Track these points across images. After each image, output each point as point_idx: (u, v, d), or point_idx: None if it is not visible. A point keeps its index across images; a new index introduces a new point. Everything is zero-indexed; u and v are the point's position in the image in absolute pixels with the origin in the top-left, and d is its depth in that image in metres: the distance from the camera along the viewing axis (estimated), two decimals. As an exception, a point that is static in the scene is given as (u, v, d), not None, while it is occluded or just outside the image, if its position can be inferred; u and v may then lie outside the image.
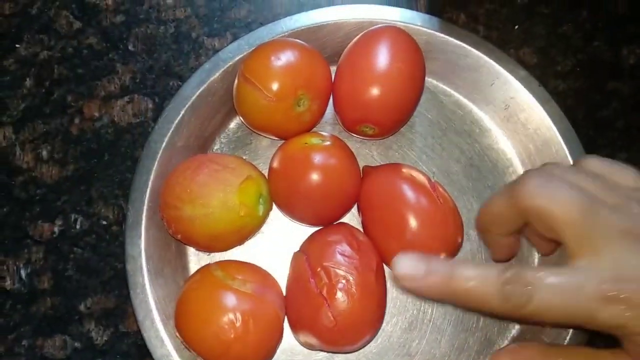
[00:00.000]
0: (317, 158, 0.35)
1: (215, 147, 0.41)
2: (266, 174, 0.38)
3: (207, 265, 0.36)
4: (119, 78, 0.43)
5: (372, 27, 0.39)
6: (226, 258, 0.39)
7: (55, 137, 0.42)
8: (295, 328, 0.36)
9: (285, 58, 0.36)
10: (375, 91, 0.36)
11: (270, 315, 0.34)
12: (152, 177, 0.37)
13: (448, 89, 0.42)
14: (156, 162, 0.37)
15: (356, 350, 0.37)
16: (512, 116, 0.41)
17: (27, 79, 0.42)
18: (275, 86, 0.35)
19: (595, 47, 0.44)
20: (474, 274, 0.27)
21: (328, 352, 0.37)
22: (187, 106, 0.38)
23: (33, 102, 0.42)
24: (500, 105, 0.41)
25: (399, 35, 0.38)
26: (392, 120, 0.38)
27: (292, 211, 0.38)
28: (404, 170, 0.37)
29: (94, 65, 0.43)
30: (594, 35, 0.44)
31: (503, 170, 0.41)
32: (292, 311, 0.35)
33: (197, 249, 0.39)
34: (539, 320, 0.26)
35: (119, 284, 0.40)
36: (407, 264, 0.28)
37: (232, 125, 0.41)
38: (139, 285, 0.36)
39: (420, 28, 0.40)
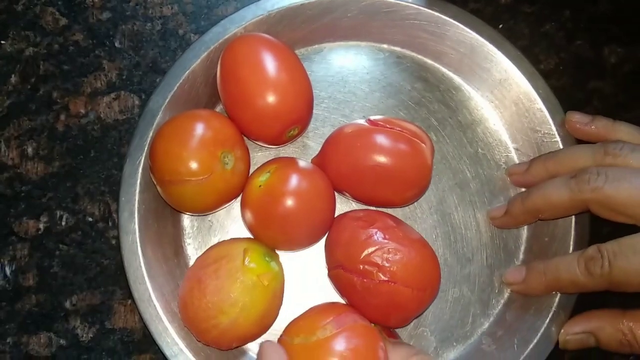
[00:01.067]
0: (280, 188, 0.35)
1: (189, 254, 0.40)
2: (247, 234, 0.38)
3: (280, 341, 0.34)
4: (105, 75, 0.43)
5: (224, 49, 0.38)
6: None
7: (41, 134, 0.42)
8: (384, 322, 0.36)
9: (183, 136, 0.35)
10: (285, 94, 0.36)
11: (365, 330, 0.34)
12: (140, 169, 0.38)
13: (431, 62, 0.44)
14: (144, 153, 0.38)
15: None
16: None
17: (13, 76, 0.42)
18: (195, 165, 0.34)
19: (577, 46, 0.45)
20: (561, 265, 0.35)
21: (420, 314, 0.38)
22: (169, 97, 0.39)
23: (19, 99, 0.42)
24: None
25: (256, 40, 0.37)
26: (309, 109, 0.39)
27: (296, 244, 0.38)
28: (347, 130, 0.38)
29: (80, 61, 0.43)
30: (576, 34, 0.45)
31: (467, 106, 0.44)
32: (371, 314, 0.36)
33: (255, 339, 0.37)
34: (626, 284, 0.32)
35: (104, 281, 0.40)
36: (510, 275, 0.39)
37: (186, 223, 0.40)
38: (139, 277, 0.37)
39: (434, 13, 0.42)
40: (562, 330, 0.37)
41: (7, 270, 0.40)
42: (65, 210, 0.41)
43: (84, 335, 0.39)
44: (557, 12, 0.46)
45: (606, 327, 0.34)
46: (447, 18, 0.42)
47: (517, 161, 0.42)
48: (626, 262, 0.31)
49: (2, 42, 0.43)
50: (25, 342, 0.39)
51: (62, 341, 0.39)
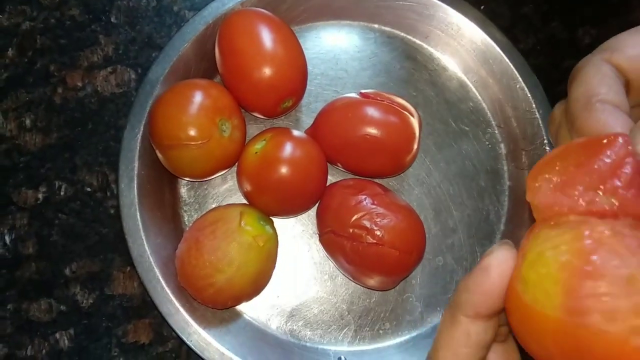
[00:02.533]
0: (275, 155, 0.37)
1: (186, 220, 0.41)
2: (242, 201, 0.40)
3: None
4: (102, 49, 0.44)
5: (223, 23, 0.39)
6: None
7: (39, 106, 0.42)
8: (372, 283, 0.38)
9: (183, 102, 0.36)
10: (280, 66, 0.37)
11: None
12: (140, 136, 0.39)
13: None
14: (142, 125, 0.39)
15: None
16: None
17: (10, 49, 0.43)
18: (193, 130, 0.35)
19: (553, 27, 0.48)
20: None
21: (407, 276, 0.40)
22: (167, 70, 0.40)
23: (16, 72, 0.43)
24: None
25: (254, 14, 0.39)
26: (303, 82, 0.40)
27: (290, 210, 0.40)
28: (339, 102, 0.40)
29: (76, 36, 0.44)
30: (552, 16, 0.48)
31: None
32: (361, 274, 0.38)
33: (249, 299, 0.39)
34: None
35: (103, 249, 0.41)
36: None
37: (182, 191, 0.42)
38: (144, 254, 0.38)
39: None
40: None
41: (7, 239, 0.40)
42: (63, 181, 0.41)
43: (84, 301, 0.40)
44: (536, -5, 0.48)
45: None
46: (435, 0, 0.44)
47: (499, 138, 0.45)
48: None
49: None
50: (26, 308, 0.40)
51: (62, 307, 0.40)
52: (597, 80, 0.23)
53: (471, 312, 0.21)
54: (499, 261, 0.20)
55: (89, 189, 0.42)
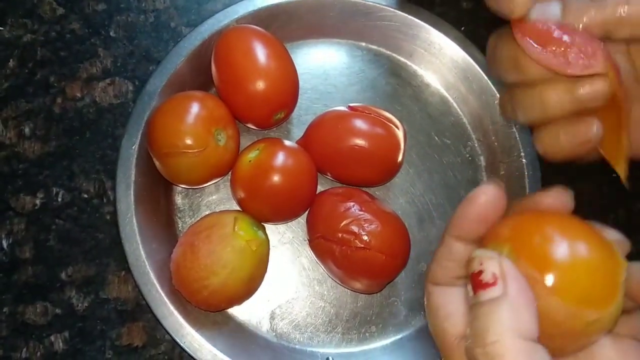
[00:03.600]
0: (268, 164, 0.39)
1: (180, 227, 0.43)
2: (233, 208, 0.42)
3: None
4: (101, 61, 0.45)
5: (219, 39, 0.41)
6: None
7: (38, 115, 0.44)
8: (360, 286, 0.40)
9: (180, 113, 0.38)
10: (273, 80, 0.40)
11: None
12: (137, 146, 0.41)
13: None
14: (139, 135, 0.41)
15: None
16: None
17: (11, 60, 0.45)
18: (190, 139, 0.37)
19: (529, 47, 0.51)
20: None
21: (392, 280, 0.42)
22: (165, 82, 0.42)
23: (16, 82, 0.44)
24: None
25: (249, 31, 0.41)
26: (295, 95, 0.42)
27: (281, 216, 0.42)
28: (329, 114, 0.42)
29: (76, 49, 0.46)
30: (528, 37, 0.51)
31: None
32: (349, 278, 0.39)
33: (241, 302, 0.40)
34: None
35: (99, 254, 0.42)
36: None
37: (177, 199, 0.44)
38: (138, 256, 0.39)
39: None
40: None
41: (4, 244, 0.41)
42: (61, 187, 0.43)
43: (79, 305, 0.41)
44: (513, 18, 0.51)
45: None
46: (419, 21, 0.47)
47: (479, 151, 0.47)
48: None
49: (1, 28, 0.45)
50: (22, 311, 0.40)
51: (57, 310, 0.41)
52: None
53: (454, 233, 0.25)
54: (484, 195, 0.24)
55: (85, 196, 0.43)
